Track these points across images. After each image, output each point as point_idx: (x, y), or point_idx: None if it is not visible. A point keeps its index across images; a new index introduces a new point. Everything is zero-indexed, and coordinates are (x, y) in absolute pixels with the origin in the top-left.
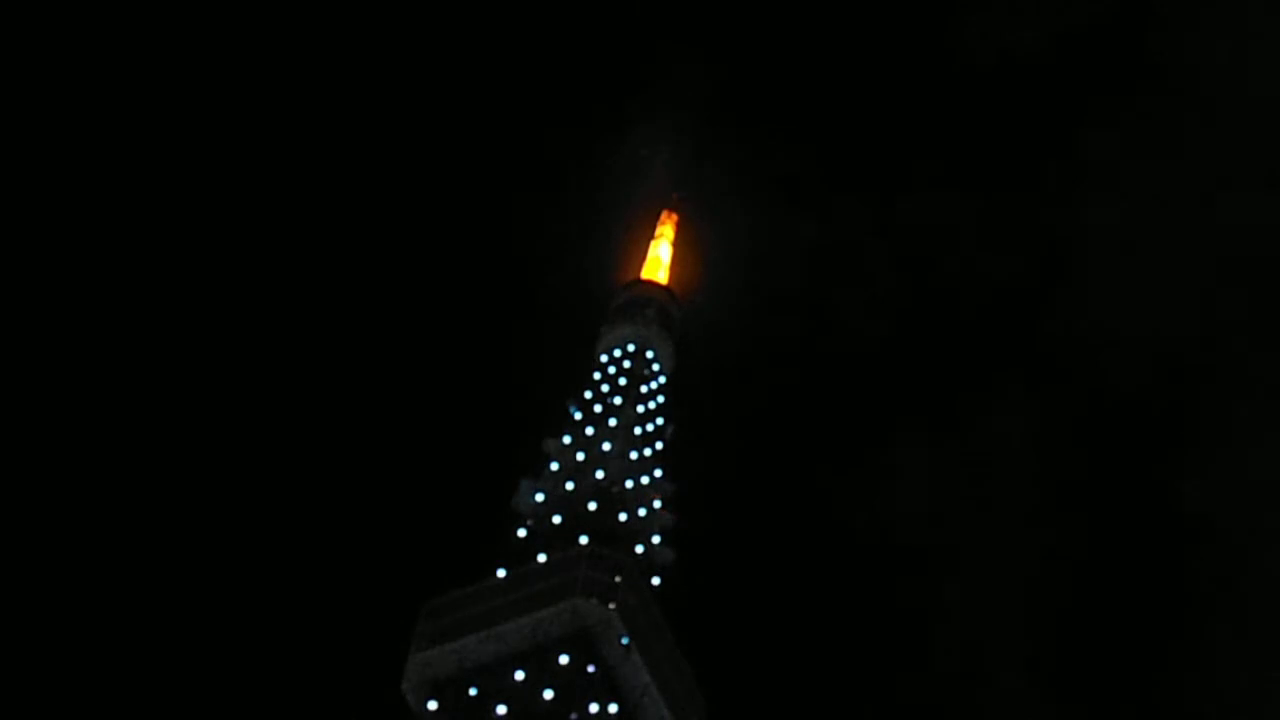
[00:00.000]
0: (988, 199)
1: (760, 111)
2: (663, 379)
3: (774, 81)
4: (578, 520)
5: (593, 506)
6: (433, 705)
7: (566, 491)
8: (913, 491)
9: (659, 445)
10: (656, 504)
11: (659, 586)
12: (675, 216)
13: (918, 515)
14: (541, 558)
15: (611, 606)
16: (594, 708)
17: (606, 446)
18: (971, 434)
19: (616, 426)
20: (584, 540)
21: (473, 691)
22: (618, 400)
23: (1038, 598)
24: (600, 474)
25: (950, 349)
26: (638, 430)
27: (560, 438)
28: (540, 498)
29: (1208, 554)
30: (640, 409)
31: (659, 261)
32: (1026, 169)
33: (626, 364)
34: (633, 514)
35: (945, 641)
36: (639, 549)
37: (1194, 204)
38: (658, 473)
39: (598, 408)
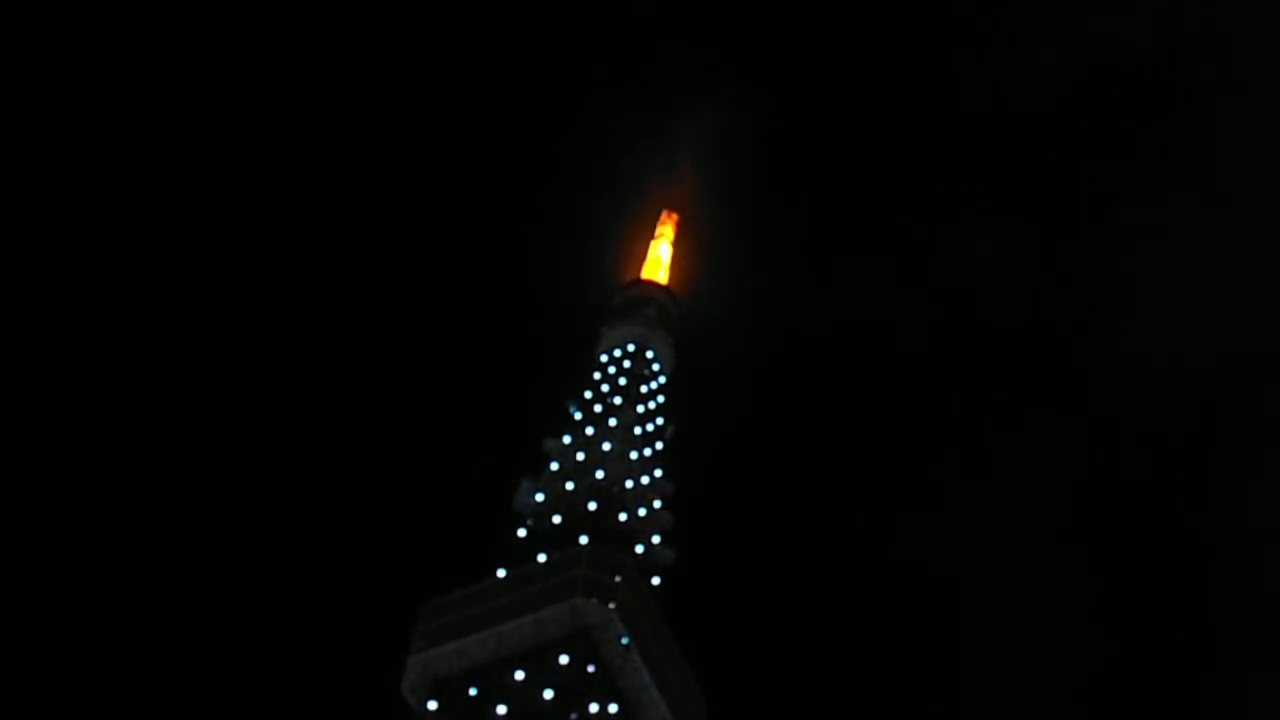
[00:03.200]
0: (1026, 238)
1: (799, 139)
2: (663, 379)
3: (816, 114)
4: (578, 520)
5: (593, 506)
6: (433, 705)
7: (566, 491)
8: (915, 496)
9: (659, 445)
10: (656, 504)
11: (659, 586)
12: (675, 216)
13: (921, 520)
14: (541, 558)
15: (611, 606)
16: (594, 708)
17: (606, 446)
18: (998, 457)
19: (616, 426)
20: (584, 540)
21: (473, 691)
22: (618, 400)
23: (1064, 628)
24: (600, 474)
25: (973, 373)
26: (638, 430)
27: (560, 438)
28: (540, 498)
29: (1241, 586)
30: (640, 409)
31: (659, 261)
32: (1063, 210)
33: (626, 364)
34: (633, 514)
35: (942, 643)
36: (639, 549)
37: (1228, 243)
38: (658, 473)
39: (598, 408)
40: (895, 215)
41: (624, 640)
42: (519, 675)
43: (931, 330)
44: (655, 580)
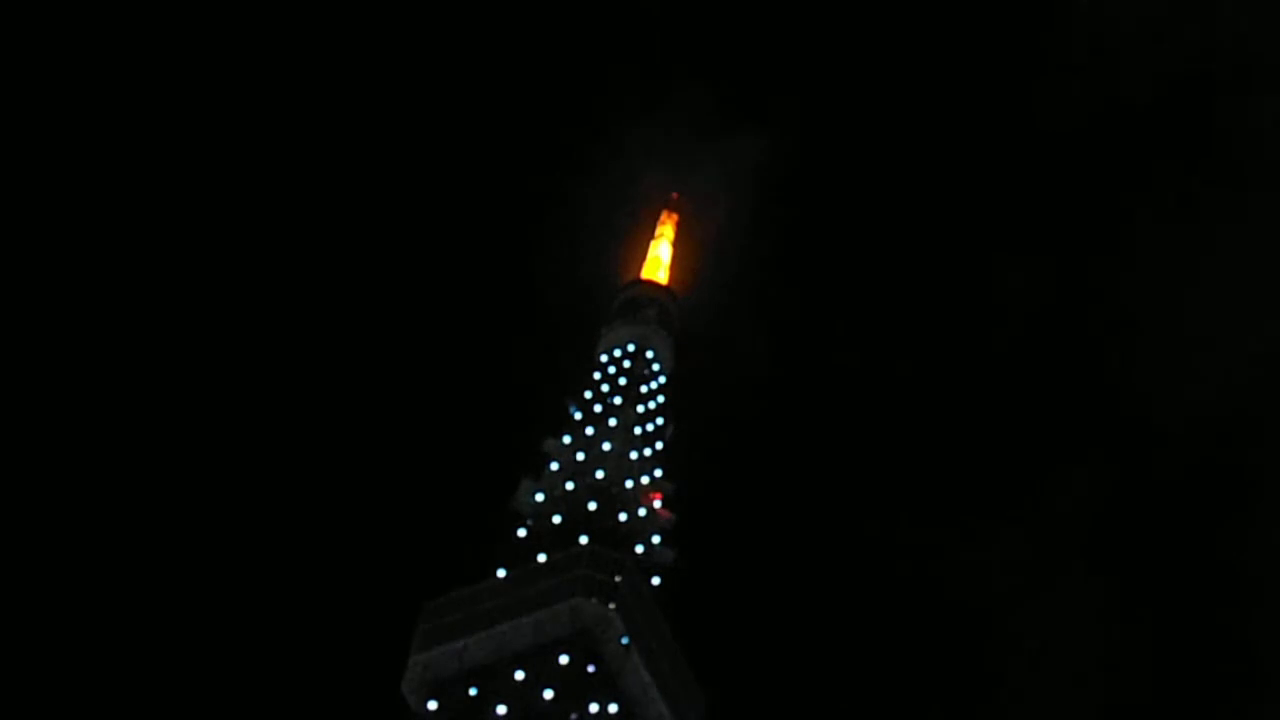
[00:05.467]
0: (1049, 262)
1: (814, 151)
2: (662, 379)
3: (834, 129)
4: (578, 520)
5: (593, 506)
6: (433, 705)
7: (566, 491)
8: (918, 500)
9: (659, 445)
10: (656, 504)
11: (659, 586)
12: (675, 216)
13: (927, 526)
14: (541, 558)
15: (611, 606)
16: (594, 708)
17: (606, 446)
18: (1012, 467)
19: (616, 426)
20: (584, 540)
21: (473, 691)
22: (618, 400)
23: (1087, 652)
24: (600, 474)
25: (989, 391)
26: (638, 430)
27: (560, 438)
28: (540, 498)
29: (1269, 618)
30: (640, 409)
31: (659, 261)
32: (1088, 235)
33: (626, 364)
34: (633, 514)
35: (946, 647)
36: (639, 549)
37: (1256, 268)
38: (658, 473)
39: (598, 408)
40: (910, 228)
41: (624, 640)
42: (519, 675)
43: (945, 342)
44: (655, 580)
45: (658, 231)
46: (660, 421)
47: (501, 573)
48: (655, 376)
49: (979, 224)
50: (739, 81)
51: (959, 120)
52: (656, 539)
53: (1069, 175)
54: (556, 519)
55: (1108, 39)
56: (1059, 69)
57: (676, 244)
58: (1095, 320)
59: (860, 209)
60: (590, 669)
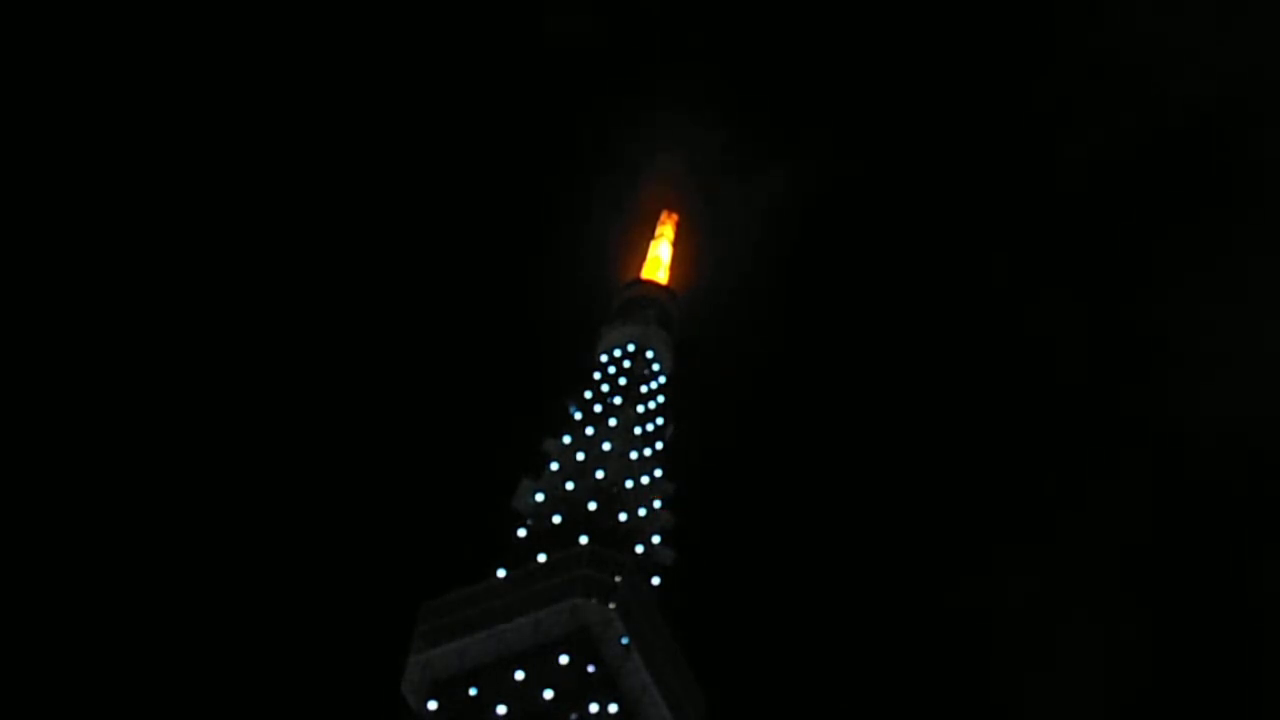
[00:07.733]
0: (1079, 295)
1: (856, 195)
2: (662, 379)
3: (875, 169)
4: (578, 520)
5: (593, 506)
6: (433, 705)
7: (566, 491)
8: (918, 501)
9: (659, 445)
10: (656, 504)
11: (659, 586)
12: (675, 216)
13: (927, 526)
14: (541, 558)
15: (611, 606)
16: (594, 708)
17: (606, 446)
18: (1019, 482)
19: (616, 426)
20: (584, 540)
21: (473, 691)
22: (618, 400)
23: (1103, 678)
24: (600, 474)
25: (986, 399)
26: (638, 430)
27: (560, 438)
28: (540, 498)
29: None
30: (640, 409)
31: (659, 261)
32: (1118, 267)
33: (626, 364)
34: (633, 514)
35: (941, 649)
36: (639, 549)
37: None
38: (658, 473)
39: (598, 408)
40: (932, 253)
41: (624, 640)
42: (519, 675)
43: (958, 356)
44: (655, 580)
45: (658, 231)
46: (660, 421)
47: (501, 573)
48: (655, 376)
49: (1008, 248)
50: (745, 84)
51: (985, 147)
52: (656, 539)
53: (1099, 203)
54: (556, 519)
55: (1138, 69)
56: (1087, 98)
57: (676, 244)
58: (1126, 348)
59: (877, 224)
60: (590, 669)
